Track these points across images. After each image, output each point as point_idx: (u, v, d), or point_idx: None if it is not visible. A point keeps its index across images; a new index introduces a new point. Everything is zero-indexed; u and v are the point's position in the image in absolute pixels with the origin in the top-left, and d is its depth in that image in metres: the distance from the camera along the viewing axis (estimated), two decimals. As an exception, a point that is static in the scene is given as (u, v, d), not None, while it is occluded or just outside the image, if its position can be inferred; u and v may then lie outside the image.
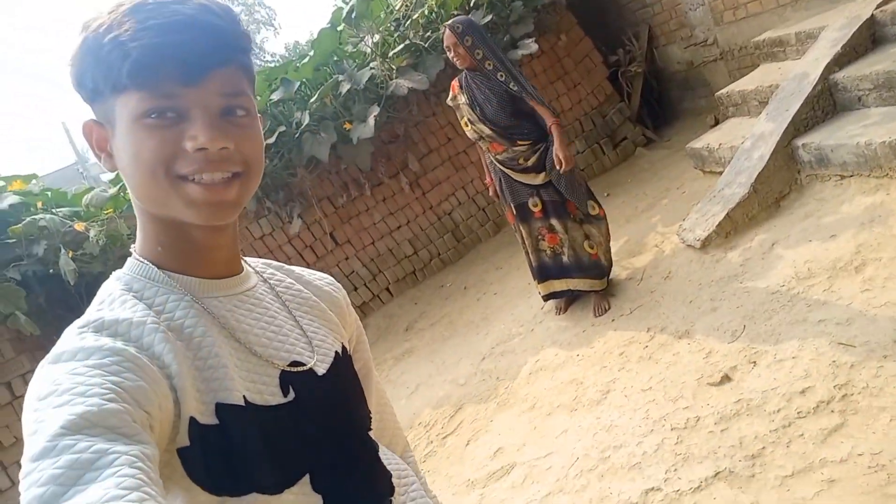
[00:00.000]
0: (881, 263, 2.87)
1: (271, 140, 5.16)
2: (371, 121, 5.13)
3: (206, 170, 0.72)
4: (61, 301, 4.80)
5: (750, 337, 2.93)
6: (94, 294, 0.79)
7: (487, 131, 3.59)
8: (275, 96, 5.38)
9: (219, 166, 0.72)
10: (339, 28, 5.72)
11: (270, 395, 0.78)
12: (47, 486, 0.51)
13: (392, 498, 0.90)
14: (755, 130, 3.95)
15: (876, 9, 3.74)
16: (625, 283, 4.05)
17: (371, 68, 5.45)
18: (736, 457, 2.37)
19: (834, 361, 2.51)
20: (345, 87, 5.31)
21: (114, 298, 0.75)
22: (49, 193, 5.10)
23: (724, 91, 4.75)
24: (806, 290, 3.00)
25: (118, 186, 5.00)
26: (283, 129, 5.26)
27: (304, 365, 0.83)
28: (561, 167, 3.46)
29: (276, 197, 5.62)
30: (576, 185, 3.64)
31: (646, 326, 3.47)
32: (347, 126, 5.29)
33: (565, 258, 3.87)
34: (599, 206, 3.77)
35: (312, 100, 5.28)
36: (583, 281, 3.89)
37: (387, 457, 0.93)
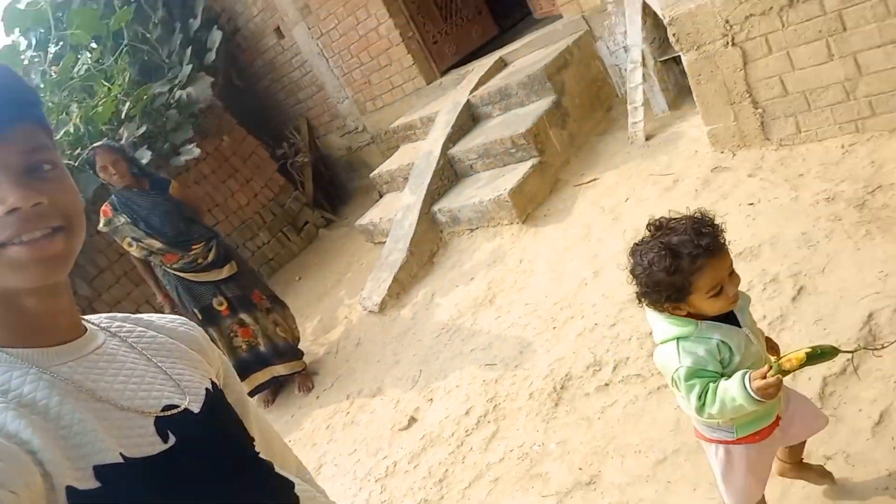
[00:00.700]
0: (505, 293, 3.61)
1: None
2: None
3: (25, 230, 0.68)
4: None
5: (426, 378, 3.40)
6: None
7: (158, 245, 3.60)
8: None
9: (37, 224, 0.69)
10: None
11: (149, 445, 0.75)
12: None
13: None
14: (402, 203, 4.62)
15: (470, 94, 4.73)
16: (324, 358, 4.33)
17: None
18: (427, 486, 2.73)
19: (484, 381, 3.07)
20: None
21: None
22: None
23: (375, 172, 5.44)
24: (459, 328, 3.60)
25: None
26: None
27: (178, 407, 0.81)
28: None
29: None
30: (254, 273, 3.85)
31: (345, 394, 3.76)
32: None
33: (262, 348, 4.00)
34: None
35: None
36: (284, 366, 4.05)
37: (284, 471, 0.92)
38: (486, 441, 2.76)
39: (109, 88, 5.61)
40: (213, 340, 3.93)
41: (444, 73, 5.54)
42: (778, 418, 1.51)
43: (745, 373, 1.30)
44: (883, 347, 1.48)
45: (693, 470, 2.07)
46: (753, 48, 2.79)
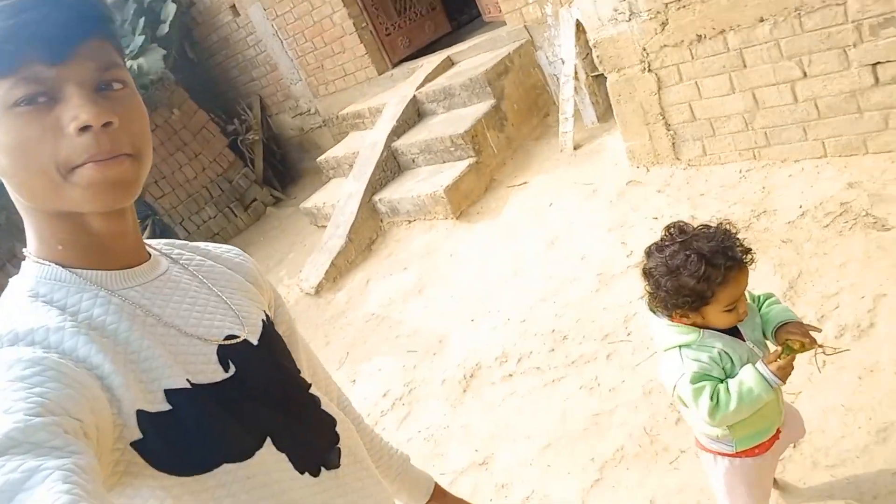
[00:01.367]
0: (434, 285, 3.82)
1: None
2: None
3: (98, 155, 0.66)
4: None
5: (352, 361, 3.60)
6: None
7: None
8: None
9: (108, 149, 0.67)
10: None
11: (212, 372, 0.76)
12: None
13: (339, 445, 0.91)
14: (345, 190, 4.77)
15: (416, 90, 4.89)
16: (258, 335, 4.46)
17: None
18: (342, 460, 2.93)
19: (404, 366, 3.29)
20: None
21: (21, 307, 0.70)
22: None
23: (322, 157, 5.57)
24: (389, 314, 3.80)
25: None
26: None
27: (238, 337, 0.82)
28: None
29: None
30: None
31: (275, 371, 3.92)
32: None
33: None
34: None
35: None
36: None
37: (328, 408, 0.94)
38: (399, 422, 2.97)
39: (57, 53, 5.55)
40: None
41: (395, 64, 5.68)
42: (778, 431, 1.51)
43: (756, 363, 1.33)
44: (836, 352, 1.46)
45: (570, 456, 2.32)
46: (667, 75, 3.04)
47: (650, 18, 2.91)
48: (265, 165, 7.30)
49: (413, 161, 4.66)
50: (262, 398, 0.81)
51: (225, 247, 0.98)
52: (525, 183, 4.12)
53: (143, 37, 5.80)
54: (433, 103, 4.75)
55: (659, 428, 2.24)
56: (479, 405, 2.81)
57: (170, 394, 0.70)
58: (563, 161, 4.03)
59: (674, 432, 2.20)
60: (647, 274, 1.39)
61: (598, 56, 3.19)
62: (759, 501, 1.58)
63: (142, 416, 0.68)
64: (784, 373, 1.31)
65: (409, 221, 4.49)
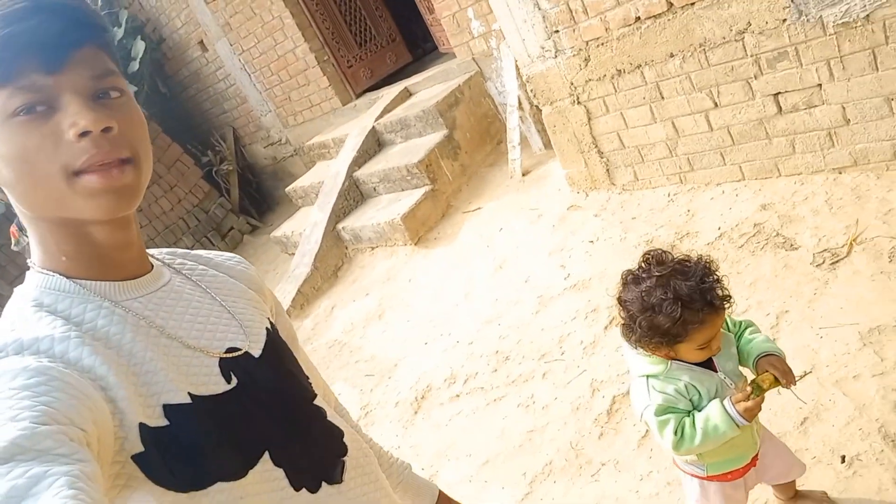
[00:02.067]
0: (393, 309, 3.98)
1: None
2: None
3: (98, 158, 0.66)
4: None
5: (314, 387, 3.74)
6: None
7: None
8: None
9: (108, 153, 0.67)
10: None
11: (214, 384, 0.76)
12: None
13: (345, 458, 0.90)
14: (311, 219, 4.94)
15: (375, 121, 5.08)
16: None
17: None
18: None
19: (361, 389, 3.44)
20: None
21: (26, 317, 0.70)
22: None
23: (290, 187, 5.74)
24: (350, 340, 3.96)
25: None
26: None
27: (239, 350, 0.82)
28: None
29: None
30: None
31: (244, 399, 4.06)
32: None
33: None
34: None
35: None
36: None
37: (335, 419, 0.93)
38: (355, 445, 3.12)
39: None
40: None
41: (359, 95, 5.87)
42: (754, 459, 1.52)
43: (724, 399, 1.31)
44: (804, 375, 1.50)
45: (505, 472, 2.48)
46: (595, 107, 3.23)
47: (574, 55, 3.11)
48: (241, 194, 7.47)
49: (374, 190, 4.84)
50: (263, 411, 0.81)
51: (226, 255, 0.97)
52: (479, 208, 4.30)
53: (113, 76, 5.96)
54: (391, 133, 4.94)
55: (584, 443, 2.41)
56: (428, 425, 2.96)
57: (168, 409, 0.70)
58: (512, 187, 4.22)
59: (596, 446, 2.37)
60: (621, 304, 1.36)
61: (531, 90, 3.39)
62: None
63: (143, 429, 0.68)
64: (751, 413, 1.28)
65: (372, 248, 4.66)
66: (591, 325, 2.86)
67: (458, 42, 4.53)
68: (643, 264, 1.34)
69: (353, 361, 3.74)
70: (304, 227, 5.10)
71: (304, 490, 0.81)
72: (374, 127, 5.04)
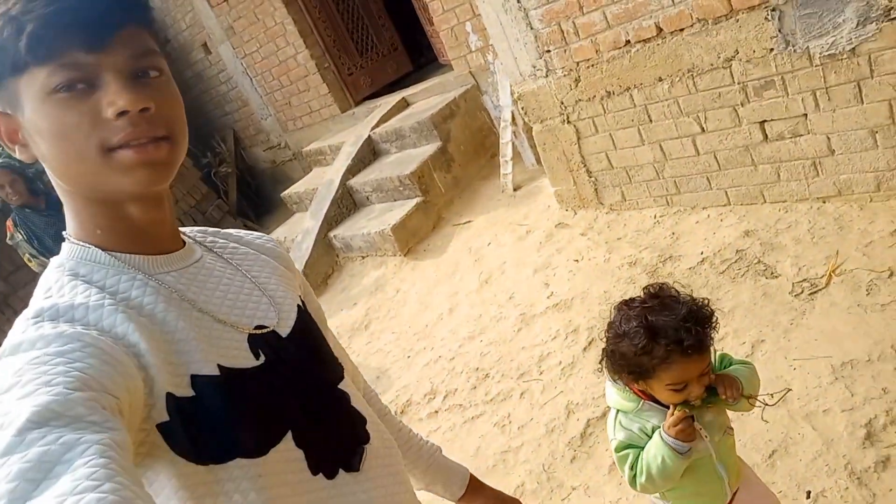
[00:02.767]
0: (379, 321, 3.99)
1: None
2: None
3: (133, 136, 0.68)
4: None
5: (297, 395, 3.74)
6: None
7: (41, 268, 3.82)
8: None
9: (145, 130, 0.68)
10: None
11: (244, 359, 0.77)
12: (17, 482, 0.49)
13: (367, 445, 0.89)
14: (303, 226, 4.95)
15: (371, 130, 5.09)
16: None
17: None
18: None
19: (342, 402, 3.44)
20: None
21: (62, 285, 0.71)
22: None
23: (286, 192, 5.76)
24: (335, 350, 3.96)
25: None
26: None
27: (267, 327, 0.83)
28: None
29: None
30: None
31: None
32: None
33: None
34: None
35: None
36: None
37: (359, 405, 0.92)
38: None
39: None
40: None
41: (358, 103, 5.90)
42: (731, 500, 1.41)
43: (663, 425, 1.26)
44: (776, 397, 1.41)
45: (476, 491, 2.48)
46: (584, 127, 3.24)
47: (564, 75, 3.12)
48: (239, 197, 7.50)
49: (367, 199, 4.85)
50: (289, 390, 0.81)
51: (255, 233, 0.98)
52: (469, 222, 4.30)
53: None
54: (387, 143, 4.95)
55: (556, 466, 2.40)
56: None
57: (196, 380, 0.71)
58: (503, 202, 4.22)
59: (568, 470, 2.36)
60: (606, 329, 1.31)
61: (522, 108, 3.40)
62: None
63: (170, 398, 0.68)
64: (683, 434, 1.22)
65: (363, 257, 4.67)
66: (571, 346, 2.85)
67: (456, 55, 4.54)
68: (641, 294, 1.29)
69: (337, 371, 3.73)
70: (297, 233, 5.11)
71: (320, 475, 0.81)
72: (369, 136, 5.06)
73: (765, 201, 2.94)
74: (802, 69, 2.50)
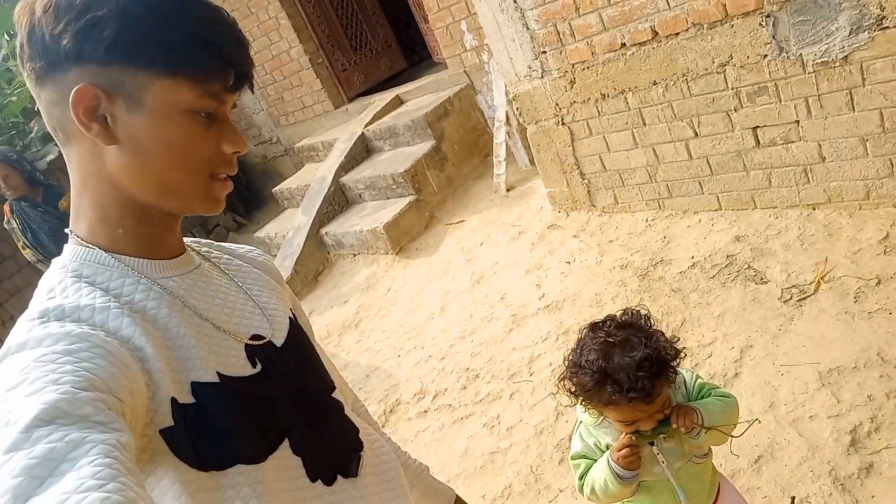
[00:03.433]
0: (370, 319, 3.98)
1: None
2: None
3: (230, 172, 0.77)
4: None
5: (286, 392, 3.73)
6: None
7: (39, 257, 3.79)
8: None
9: (234, 170, 0.78)
10: None
11: (242, 367, 0.79)
12: (21, 478, 0.49)
13: (361, 453, 0.91)
14: (294, 222, 4.93)
15: (364, 127, 5.08)
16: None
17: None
18: None
19: (331, 400, 3.43)
20: None
21: (66, 287, 0.71)
22: None
23: (277, 188, 5.73)
24: (325, 348, 3.94)
25: None
26: None
27: (263, 338, 0.84)
28: None
29: None
30: None
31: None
32: None
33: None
34: None
35: None
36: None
37: (352, 415, 0.95)
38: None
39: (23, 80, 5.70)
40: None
41: (351, 99, 5.88)
42: None
43: (612, 448, 1.27)
44: (740, 428, 1.37)
45: (466, 493, 2.47)
46: (578, 129, 3.24)
47: (560, 77, 3.12)
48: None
49: (360, 196, 4.84)
50: (285, 398, 0.82)
51: (246, 247, 1.01)
52: (462, 221, 4.30)
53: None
54: (380, 141, 4.94)
55: (544, 467, 2.41)
56: (395, 441, 2.95)
57: (196, 387, 0.72)
58: (496, 202, 4.23)
59: (555, 472, 2.37)
60: (570, 352, 1.31)
61: (517, 108, 3.40)
62: None
63: (174, 404, 0.69)
64: (626, 462, 1.23)
65: (354, 255, 4.66)
66: (561, 348, 2.86)
67: (451, 54, 4.53)
68: (610, 319, 1.27)
69: (326, 369, 3.72)
70: (288, 229, 5.09)
71: (319, 481, 0.83)
72: (363, 133, 5.04)
73: (756, 207, 2.96)
74: (795, 76, 2.51)
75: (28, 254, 3.85)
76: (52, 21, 0.66)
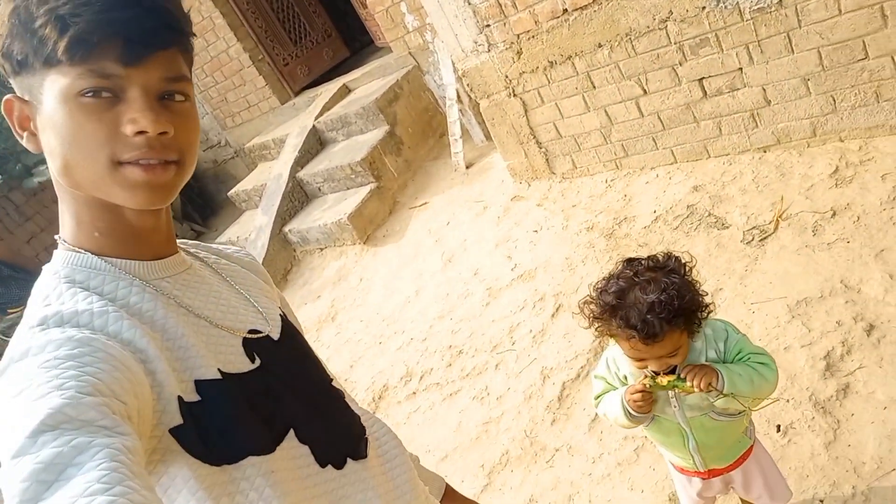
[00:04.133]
0: (346, 310, 3.98)
1: None
2: None
3: (145, 157, 0.68)
4: None
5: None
6: None
7: None
8: None
9: (158, 153, 0.69)
10: None
11: (240, 363, 0.79)
12: (29, 482, 0.50)
13: (366, 436, 0.93)
14: (255, 223, 4.87)
15: (315, 120, 5.02)
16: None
17: None
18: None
19: (318, 395, 3.43)
20: None
21: (61, 293, 0.71)
22: None
23: (233, 191, 5.64)
24: (304, 345, 3.94)
25: None
26: None
27: (261, 332, 0.85)
28: None
29: None
30: None
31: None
32: None
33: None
34: None
35: None
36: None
37: (352, 403, 0.97)
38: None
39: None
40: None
41: (297, 93, 5.80)
42: (711, 472, 1.47)
43: (628, 387, 1.33)
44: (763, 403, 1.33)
45: (463, 465, 2.53)
46: (530, 99, 3.28)
47: (506, 49, 3.15)
48: (184, 200, 7.28)
49: (319, 190, 4.80)
50: (286, 390, 0.83)
51: (234, 248, 1.00)
52: (426, 203, 4.32)
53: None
54: (333, 132, 4.90)
55: (537, 430, 2.47)
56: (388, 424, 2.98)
57: (200, 385, 0.72)
58: (457, 180, 4.25)
59: (549, 433, 2.43)
60: (603, 278, 1.33)
61: (467, 84, 3.42)
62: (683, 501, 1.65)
63: (181, 402, 0.70)
64: (636, 405, 1.28)
65: (321, 249, 4.63)
66: (539, 314, 2.92)
67: (394, 37, 4.51)
68: (649, 259, 1.27)
69: (309, 365, 3.72)
70: (250, 231, 5.02)
71: (329, 466, 0.84)
72: (314, 126, 4.99)
73: (709, 156, 3.05)
74: (734, 25, 2.59)
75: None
76: None
